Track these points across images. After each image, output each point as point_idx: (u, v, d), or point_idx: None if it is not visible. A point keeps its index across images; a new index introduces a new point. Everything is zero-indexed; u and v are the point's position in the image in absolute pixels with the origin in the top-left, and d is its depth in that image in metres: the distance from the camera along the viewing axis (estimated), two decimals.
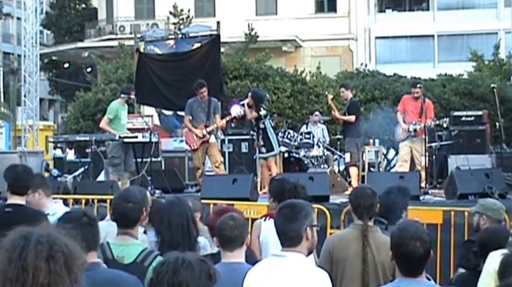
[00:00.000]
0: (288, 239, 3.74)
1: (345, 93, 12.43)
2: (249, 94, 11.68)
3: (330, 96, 12.87)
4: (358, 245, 4.68)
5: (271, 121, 11.75)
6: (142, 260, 4.00)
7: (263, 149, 11.45)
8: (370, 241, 4.67)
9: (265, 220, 5.54)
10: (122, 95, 11.60)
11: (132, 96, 11.84)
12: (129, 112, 12.24)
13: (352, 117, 12.03)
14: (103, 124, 11.45)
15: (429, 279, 3.87)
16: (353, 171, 12.09)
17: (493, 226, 5.50)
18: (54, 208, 5.47)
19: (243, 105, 11.53)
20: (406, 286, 3.58)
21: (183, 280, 2.23)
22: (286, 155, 13.03)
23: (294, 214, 3.76)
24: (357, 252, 4.66)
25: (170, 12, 26.97)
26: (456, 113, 13.90)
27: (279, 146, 11.79)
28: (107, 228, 4.89)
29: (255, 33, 24.91)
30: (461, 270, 5.23)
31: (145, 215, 4.36)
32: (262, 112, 11.34)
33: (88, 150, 13.31)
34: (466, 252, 5.38)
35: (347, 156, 12.13)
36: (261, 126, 11.39)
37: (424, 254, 3.60)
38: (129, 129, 11.85)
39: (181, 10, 26.41)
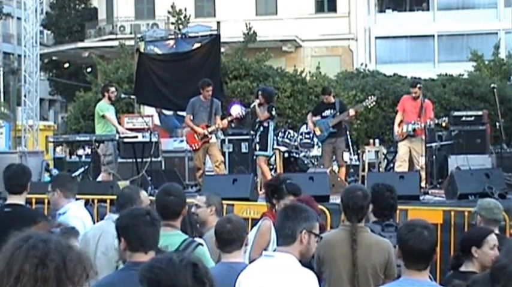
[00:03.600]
0: (282, 236, 3.74)
1: (329, 98, 12.45)
2: (259, 93, 11.67)
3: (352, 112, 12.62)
4: (346, 247, 4.57)
5: (274, 123, 11.72)
6: (184, 249, 4.20)
7: (257, 146, 11.50)
8: (360, 241, 4.58)
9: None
10: (105, 93, 11.59)
11: (112, 89, 11.75)
12: (129, 112, 12.26)
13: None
14: (110, 119, 11.46)
15: (431, 279, 3.86)
16: (343, 171, 12.18)
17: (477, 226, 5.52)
18: (66, 207, 5.46)
19: (254, 106, 11.50)
20: (409, 285, 3.55)
21: (167, 281, 2.18)
22: (286, 155, 13.02)
23: (293, 213, 3.78)
24: (344, 254, 4.56)
25: (169, 12, 26.97)
26: (456, 113, 13.90)
27: (273, 150, 11.78)
28: (105, 227, 4.89)
29: (254, 32, 24.91)
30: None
31: (186, 208, 4.52)
32: (274, 112, 11.38)
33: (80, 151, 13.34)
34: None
35: (346, 155, 12.15)
36: (265, 125, 11.38)
37: (431, 246, 3.58)
38: (129, 129, 11.87)
39: (180, 10, 26.41)
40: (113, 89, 11.76)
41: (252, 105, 11.66)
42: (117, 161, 11.67)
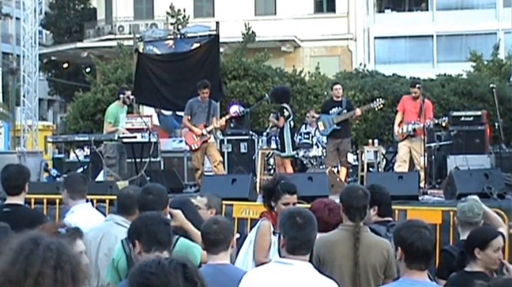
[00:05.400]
0: (305, 248, 3.69)
1: (339, 90, 12.41)
2: (269, 101, 11.63)
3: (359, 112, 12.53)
4: (346, 247, 4.53)
5: (291, 123, 11.57)
6: None
7: (279, 147, 11.46)
8: (361, 241, 4.54)
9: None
10: (120, 96, 11.59)
11: (128, 93, 11.75)
12: (128, 112, 12.24)
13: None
14: (107, 131, 11.46)
15: (430, 278, 3.86)
16: (345, 171, 12.17)
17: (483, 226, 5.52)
18: (71, 209, 5.45)
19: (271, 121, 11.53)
20: (410, 286, 3.54)
21: (159, 285, 2.16)
22: None
23: (307, 223, 3.72)
24: (345, 254, 4.52)
25: (167, 13, 26.97)
26: (455, 113, 13.91)
27: (293, 150, 11.61)
28: (107, 228, 4.88)
29: (253, 32, 24.91)
30: (442, 281, 5.13)
31: (168, 209, 4.52)
32: (286, 113, 11.29)
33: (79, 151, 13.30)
34: (444, 263, 5.31)
35: (350, 156, 12.13)
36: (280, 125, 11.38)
37: (434, 246, 3.61)
38: (128, 129, 11.85)
39: (179, 10, 26.40)
40: (128, 93, 11.73)
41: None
42: (124, 163, 11.55)
